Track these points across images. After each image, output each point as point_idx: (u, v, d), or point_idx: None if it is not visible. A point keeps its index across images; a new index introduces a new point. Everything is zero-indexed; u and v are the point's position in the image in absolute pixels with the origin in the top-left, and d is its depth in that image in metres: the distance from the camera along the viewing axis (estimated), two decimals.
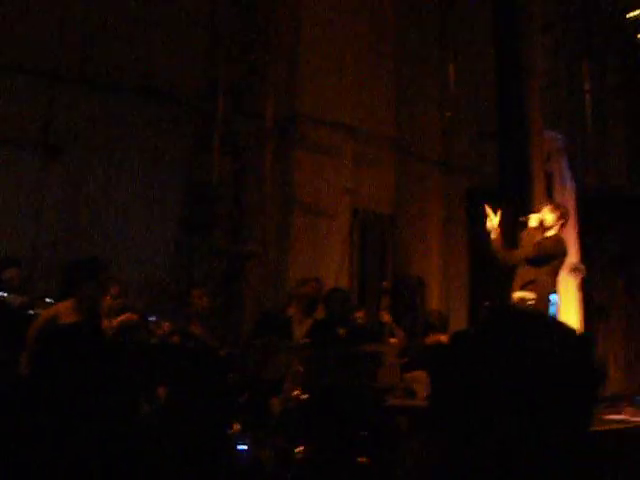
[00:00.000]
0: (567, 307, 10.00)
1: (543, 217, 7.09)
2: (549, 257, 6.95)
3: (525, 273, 7.35)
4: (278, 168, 9.34)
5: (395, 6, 10.64)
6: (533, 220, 7.19)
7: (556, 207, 7.00)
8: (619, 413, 8.60)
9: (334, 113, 9.89)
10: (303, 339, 5.44)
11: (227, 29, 9.27)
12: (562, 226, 6.99)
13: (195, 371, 4.83)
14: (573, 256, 10.16)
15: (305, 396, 4.51)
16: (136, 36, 8.01)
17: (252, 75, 9.51)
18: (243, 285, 8.44)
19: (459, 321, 10.16)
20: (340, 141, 10.00)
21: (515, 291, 7.54)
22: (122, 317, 4.98)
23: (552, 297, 9.57)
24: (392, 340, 9.20)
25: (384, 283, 10.30)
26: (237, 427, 4.70)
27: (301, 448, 4.02)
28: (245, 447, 4.37)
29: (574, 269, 9.91)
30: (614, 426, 7.12)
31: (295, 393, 4.46)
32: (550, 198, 10.31)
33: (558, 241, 7.07)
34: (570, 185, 10.31)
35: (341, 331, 5.85)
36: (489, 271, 10.49)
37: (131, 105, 7.75)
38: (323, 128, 9.81)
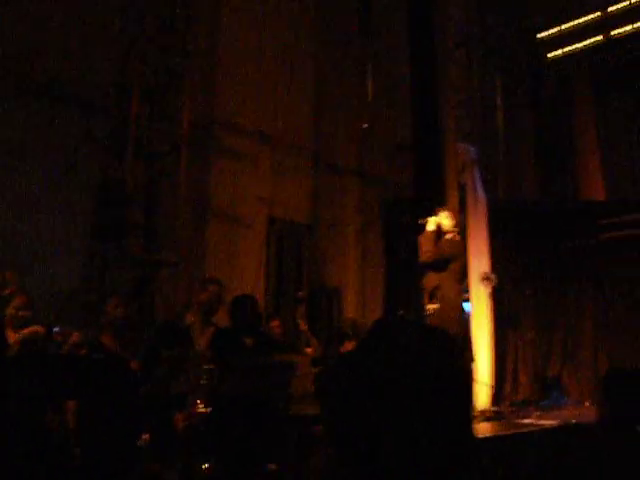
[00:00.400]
0: (479, 316, 10.23)
1: (440, 221, 7.20)
2: (446, 260, 7.07)
3: (429, 280, 7.47)
4: (193, 175, 9.25)
5: (315, 16, 10.71)
6: (431, 224, 7.32)
7: (452, 214, 7.12)
8: (527, 417, 8.90)
9: (252, 121, 9.87)
10: (206, 349, 5.32)
11: (143, 32, 9.13)
12: (458, 232, 7.12)
13: (103, 383, 4.70)
14: (484, 266, 10.41)
15: (207, 409, 4.45)
16: (47, 39, 7.81)
17: (169, 79, 9.40)
18: (156, 294, 8.32)
19: None
20: (258, 149, 9.98)
21: (425, 299, 7.63)
22: (26, 330, 4.84)
23: (465, 306, 9.89)
24: (307, 349, 9.21)
25: (300, 292, 10.36)
26: (146, 437, 4.63)
27: (206, 465, 3.96)
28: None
29: (485, 278, 10.14)
30: (521, 430, 7.34)
31: (198, 407, 4.36)
32: (463, 208, 10.57)
33: (454, 243, 7.20)
34: (482, 196, 10.55)
35: (247, 340, 5.71)
36: (405, 279, 10.71)
37: (39, 109, 7.55)
38: (241, 135, 9.78)
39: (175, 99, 9.42)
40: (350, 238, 10.64)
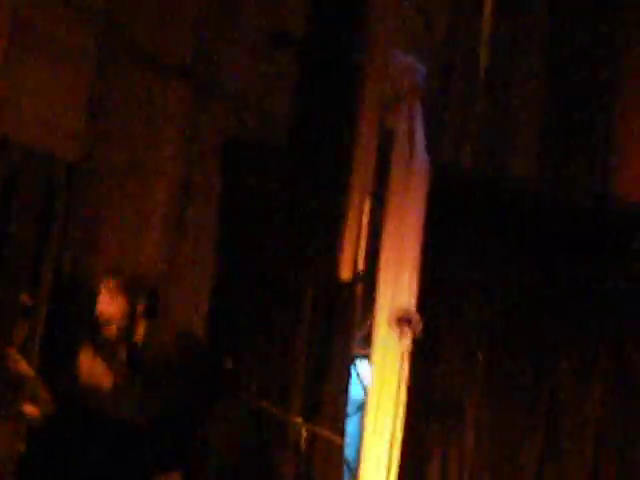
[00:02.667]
0: (382, 394, 5.21)
1: None
2: None
3: None
4: None
5: None
6: None
7: None
8: None
9: None
10: None
11: None
12: None
13: None
14: (405, 295, 5.35)
15: None
16: None
17: None
18: None
19: None
20: None
21: None
22: None
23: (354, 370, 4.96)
24: (29, 408, 4.70)
25: (23, 296, 5.29)
26: None
27: None
28: None
29: (402, 320, 5.14)
30: None
31: None
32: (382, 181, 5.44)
33: None
34: (422, 161, 5.44)
35: None
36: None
37: None
38: None
39: None
40: (156, 202, 5.39)
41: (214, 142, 5.29)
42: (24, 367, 4.86)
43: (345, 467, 5.28)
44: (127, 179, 5.52)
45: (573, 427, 5.46)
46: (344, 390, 5.24)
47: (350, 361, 5.30)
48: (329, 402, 5.19)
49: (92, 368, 3.33)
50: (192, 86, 5.30)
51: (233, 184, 5.03)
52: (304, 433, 4.72)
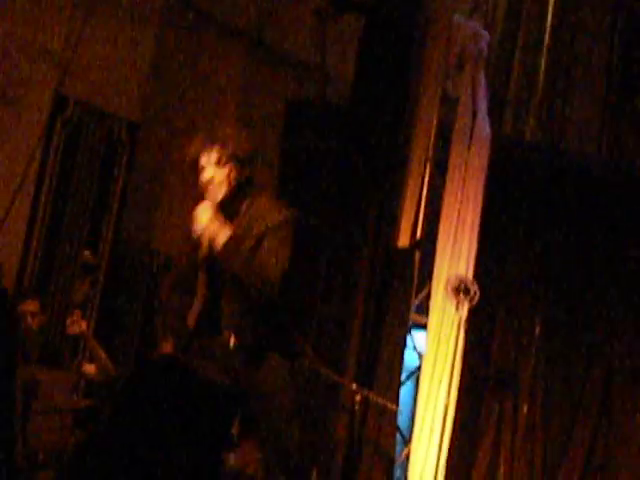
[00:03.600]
0: (437, 362, 5.17)
1: None
2: None
3: None
4: None
5: None
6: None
7: None
8: None
9: None
10: None
11: None
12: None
13: None
14: (463, 264, 5.30)
15: None
16: None
17: None
18: None
19: None
20: None
21: None
22: None
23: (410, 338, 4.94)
24: (88, 367, 5.08)
25: (86, 252, 5.34)
26: None
27: None
28: None
29: (459, 290, 5.07)
30: None
31: None
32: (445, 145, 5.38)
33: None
34: (484, 129, 5.36)
35: None
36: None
37: None
38: None
39: None
40: None
41: (276, 104, 5.27)
42: (83, 326, 4.89)
43: (397, 434, 5.26)
44: (187, 141, 5.52)
45: (628, 399, 5.36)
46: (399, 357, 5.19)
47: (406, 329, 5.25)
48: (383, 369, 5.15)
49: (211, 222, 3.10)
50: (255, 49, 5.28)
51: (294, 146, 4.98)
52: (358, 399, 4.68)
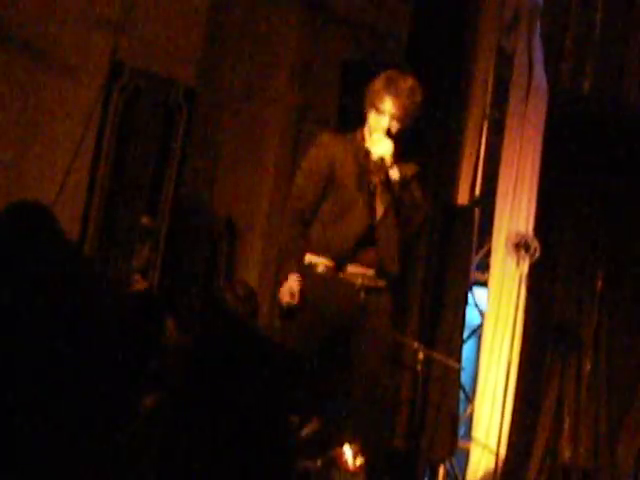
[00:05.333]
0: (500, 317, 5.16)
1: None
2: None
3: None
4: None
5: None
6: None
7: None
8: None
9: None
10: None
11: None
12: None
13: None
14: (523, 220, 5.26)
15: None
16: None
17: None
18: None
19: None
20: None
21: None
22: None
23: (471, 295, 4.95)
24: None
25: (144, 219, 5.36)
26: None
27: None
28: None
29: (520, 245, 5.03)
30: None
31: None
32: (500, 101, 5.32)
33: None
34: (541, 82, 5.30)
35: None
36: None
37: None
38: None
39: None
40: (272, 126, 5.39)
41: (330, 66, 5.25)
42: (142, 283, 4.94)
43: (461, 391, 5.26)
44: (243, 105, 5.53)
45: None
46: (461, 315, 5.18)
47: (467, 286, 5.24)
48: (445, 327, 5.14)
49: None
50: (308, 10, 5.25)
51: (350, 106, 4.95)
52: (420, 357, 4.70)
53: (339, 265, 3.35)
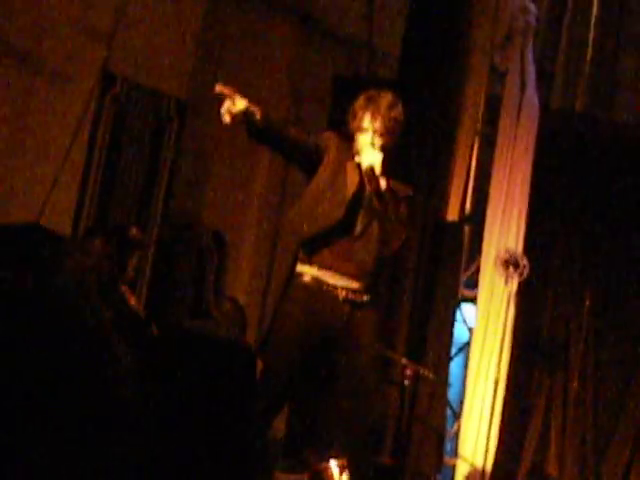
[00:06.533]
0: (487, 335, 5.16)
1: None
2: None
3: None
4: None
5: None
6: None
7: None
8: None
9: None
10: None
11: None
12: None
13: None
14: (512, 237, 5.27)
15: None
16: None
17: None
18: None
19: None
20: None
21: None
22: None
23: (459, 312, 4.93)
24: None
25: (132, 230, 5.30)
26: None
27: None
28: None
29: (509, 263, 5.04)
30: None
31: None
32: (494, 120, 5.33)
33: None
34: (533, 101, 5.31)
35: None
36: None
37: None
38: None
39: None
40: None
41: (323, 80, 5.26)
42: (132, 301, 4.92)
43: (448, 408, 5.26)
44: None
45: None
46: (449, 332, 5.18)
47: (455, 303, 5.24)
48: (433, 343, 5.14)
49: None
50: (302, 24, 5.26)
51: (340, 121, 4.96)
52: (408, 373, 4.68)
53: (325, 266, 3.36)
